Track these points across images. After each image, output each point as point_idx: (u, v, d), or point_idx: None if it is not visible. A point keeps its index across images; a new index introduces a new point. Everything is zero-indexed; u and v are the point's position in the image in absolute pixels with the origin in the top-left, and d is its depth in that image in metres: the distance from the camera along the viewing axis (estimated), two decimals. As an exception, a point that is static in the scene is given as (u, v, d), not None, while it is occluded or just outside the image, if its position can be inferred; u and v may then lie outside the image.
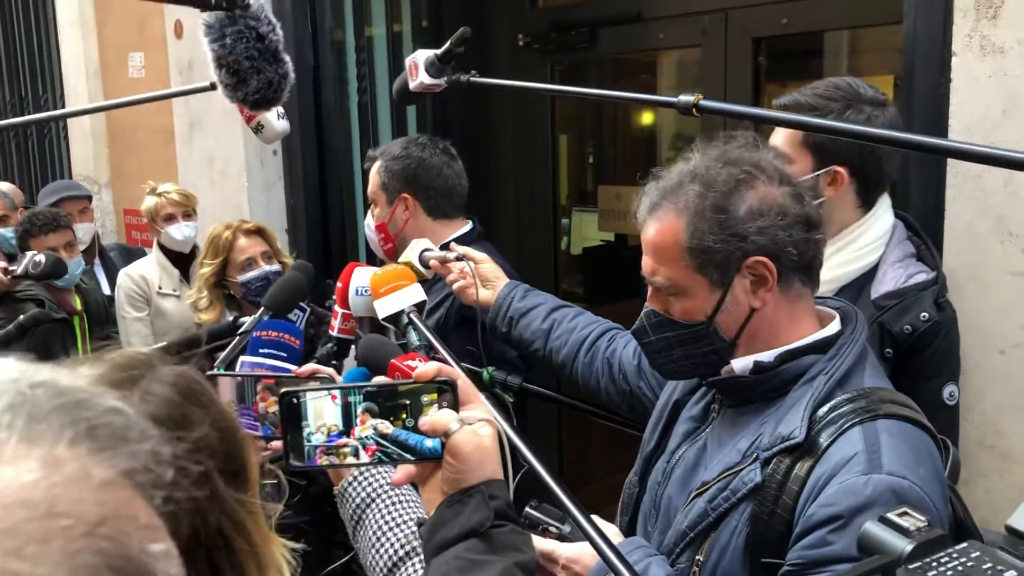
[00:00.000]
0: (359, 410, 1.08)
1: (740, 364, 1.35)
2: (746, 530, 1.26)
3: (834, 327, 1.36)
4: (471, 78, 1.66)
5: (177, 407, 0.93)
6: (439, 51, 1.68)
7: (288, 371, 1.64)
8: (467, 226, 2.45)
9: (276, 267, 2.82)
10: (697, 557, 1.31)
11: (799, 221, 1.29)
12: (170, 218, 3.50)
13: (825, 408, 1.26)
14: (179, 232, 3.51)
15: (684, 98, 1.28)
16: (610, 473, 4.02)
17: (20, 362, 0.45)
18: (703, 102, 1.26)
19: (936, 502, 1.18)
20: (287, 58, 1.56)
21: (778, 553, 1.22)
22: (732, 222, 1.28)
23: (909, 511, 0.95)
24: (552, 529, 1.49)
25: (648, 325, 1.42)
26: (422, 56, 1.71)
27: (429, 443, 1.07)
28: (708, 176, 1.31)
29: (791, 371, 1.31)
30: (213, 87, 1.77)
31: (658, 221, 1.35)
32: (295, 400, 1.09)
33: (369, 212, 2.52)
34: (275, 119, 1.74)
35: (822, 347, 1.33)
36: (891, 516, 0.93)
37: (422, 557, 1.26)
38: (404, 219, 2.40)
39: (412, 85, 1.73)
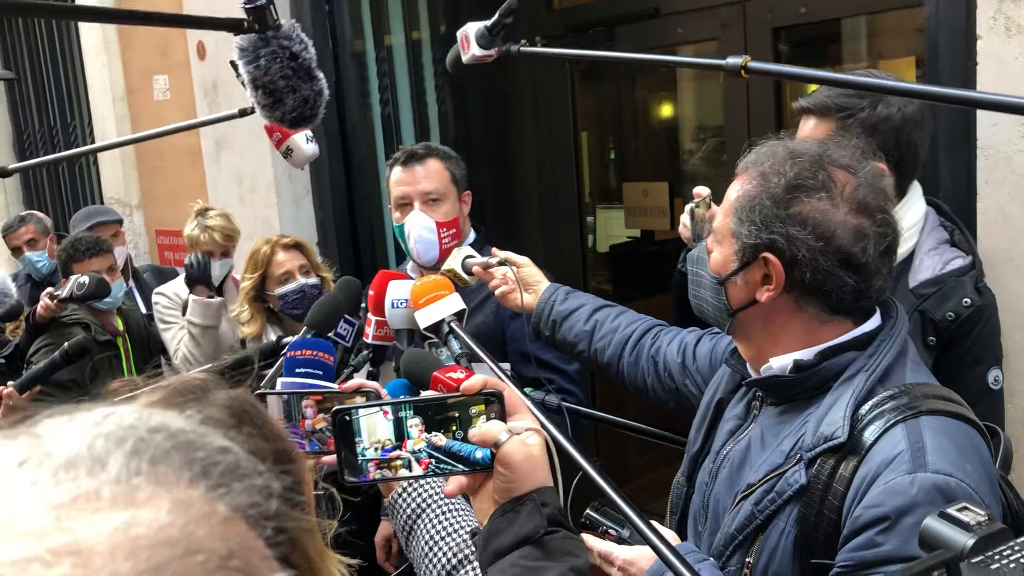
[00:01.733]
0: (410, 424, 1.11)
1: (779, 363, 1.36)
2: (794, 531, 1.26)
3: (874, 322, 1.35)
4: (521, 47, 1.68)
5: (233, 429, 0.96)
6: (488, 23, 1.70)
7: (331, 387, 1.67)
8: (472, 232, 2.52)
9: (314, 280, 2.86)
10: (747, 559, 1.31)
11: (835, 254, 1.27)
12: (208, 255, 3.50)
13: (867, 406, 1.25)
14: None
15: (732, 60, 1.27)
16: (645, 471, 4.04)
17: (135, 409, 0.48)
18: (751, 63, 1.27)
19: (985, 497, 1.17)
20: (321, 75, 1.58)
21: (827, 554, 1.22)
22: (772, 215, 1.29)
23: (969, 506, 0.95)
24: (612, 532, 1.51)
25: (695, 256, 1.50)
26: (472, 28, 1.73)
27: (479, 454, 1.09)
28: (788, 165, 1.31)
29: (831, 369, 1.31)
30: (241, 114, 1.80)
31: (742, 173, 1.38)
32: (347, 417, 1.12)
33: (420, 213, 2.38)
34: (304, 143, 1.77)
35: (862, 343, 1.32)
36: (951, 511, 0.94)
37: (475, 565, 1.29)
38: (466, 215, 2.46)
39: (465, 58, 1.75)
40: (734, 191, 1.37)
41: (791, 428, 1.33)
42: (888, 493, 1.16)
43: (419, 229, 2.37)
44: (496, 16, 1.68)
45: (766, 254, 1.30)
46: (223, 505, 0.45)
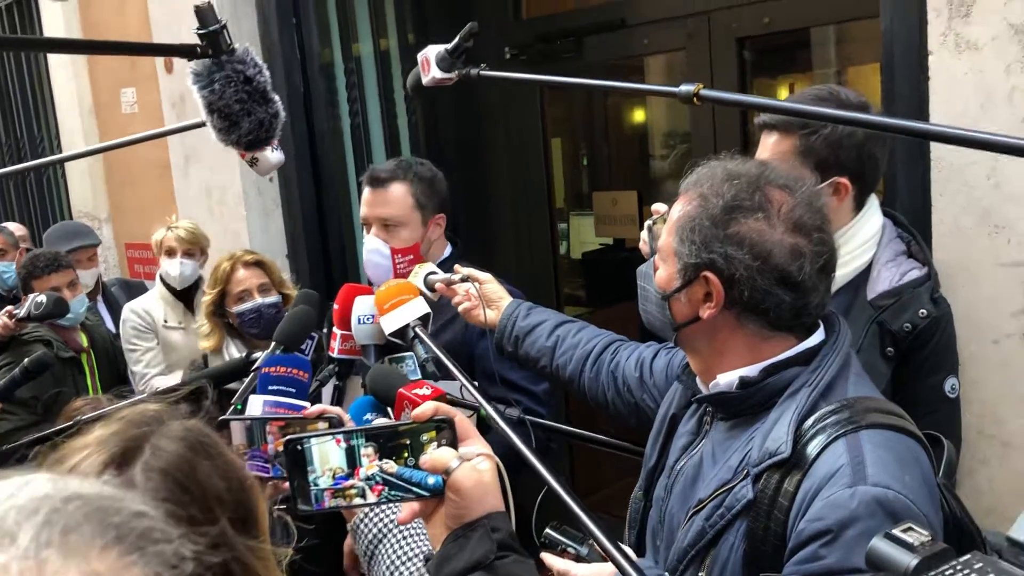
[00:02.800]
0: (363, 451, 1.11)
1: (726, 379, 1.38)
2: (743, 546, 1.28)
3: (817, 337, 1.38)
4: (481, 71, 1.69)
5: (186, 462, 0.97)
6: (449, 46, 1.71)
7: (298, 408, 1.67)
8: (448, 248, 2.48)
9: (272, 299, 2.83)
10: (700, 574, 1.33)
11: (772, 272, 1.30)
12: (170, 252, 3.52)
13: (810, 421, 1.28)
14: (173, 268, 3.50)
15: (685, 88, 1.29)
16: (620, 477, 4.05)
17: (49, 478, 0.49)
18: (704, 91, 1.28)
19: (924, 508, 1.19)
20: (276, 97, 1.59)
21: (775, 567, 1.23)
22: (711, 235, 1.32)
23: (914, 526, 0.97)
24: (570, 550, 1.52)
25: (643, 271, 1.53)
26: (433, 51, 1.73)
27: (431, 480, 1.10)
28: (726, 187, 1.33)
29: (775, 384, 1.34)
30: (203, 124, 1.80)
31: (684, 193, 1.41)
32: (299, 447, 1.12)
33: (373, 237, 2.38)
34: (269, 152, 1.77)
35: (806, 359, 1.35)
36: (896, 532, 0.96)
37: None
38: (433, 240, 2.40)
39: (425, 80, 1.76)
40: (676, 211, 1.40)
41: (739, 443, 1.36)
42: (830, 507, 1.18)
43: (370, 253, 2.37)
44: (457, 39, 1.69)
45: (706, 273, 1.33)
46: (135, 572, 0.46)
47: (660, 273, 1.44)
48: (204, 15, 1.49)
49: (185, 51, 1.53)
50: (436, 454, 1.09)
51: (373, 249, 2.36)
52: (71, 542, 0.44)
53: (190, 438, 1.00)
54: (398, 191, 2.36)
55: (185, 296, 3.58)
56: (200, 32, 1.49)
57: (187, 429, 1.01)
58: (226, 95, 1.51)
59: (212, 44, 1.49)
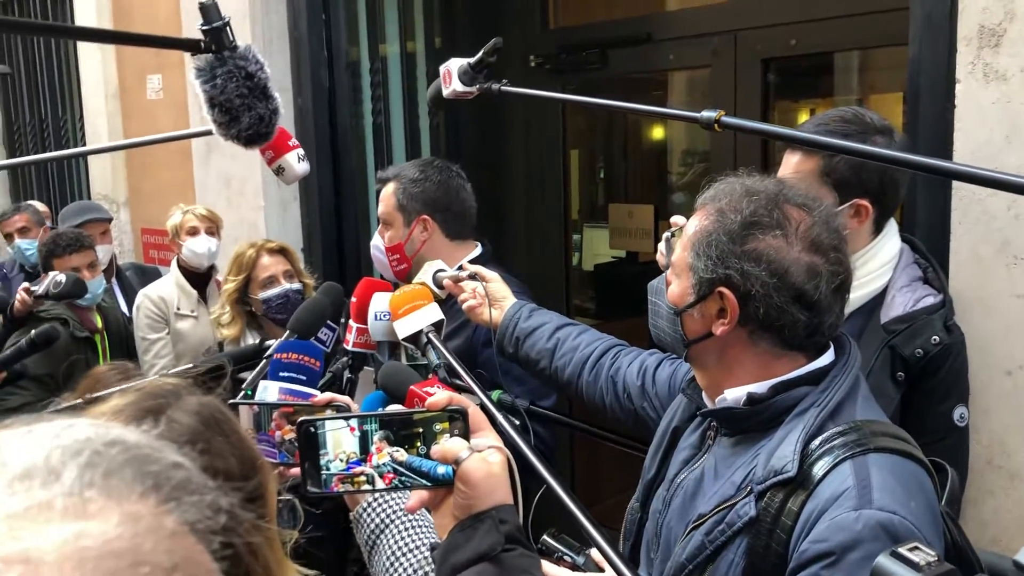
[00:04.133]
0: (375, 438, 1.12)
1: (733, 395, 1.38)
2: (743, 563, 1.27)
3: (827, 358, 1.37)
4: (502, 87, 1.70)
5: (200, 436, 0.98)
6: (472, 60, 1.72)
7: (307, 395, 1.68)
8: (478, 248, 2.49)
9: (297, 286, 2.88)
10: None
11: (788, 290, 1.29)
12: (193, 231, 3.54)
13: (817, 441, 1.27)
14: (201, 245, 3.51)
15: (707, 114, 1.30)
16: (621, 490, 4.04)
17: (91, 423, 0.50)
18: (725, 118, 1.29)
19: (927, 535, 1.18)
20: (276, 95, 1.62)
21: None
22: (728, 251, 1.32)
23: (920, 546, 0.97)
24: (566, 559, 1.52)
25: (654, 286, 1.53)
26: (455, 64, 1.75)
27: (441, 470, 1.11)
28: (744, 203, 1.33)
29: (783, 403, 1.33)
30: (204, 133, 1.83)
31: (701, 208, 1.40)
32: (312, 429, 1.13)
33: (377, 233, 2.53)
34: (296, 162, 1.80)
35: (815, 379, 1.34)
36: (902, 550, 0.96)
37: None
38: (422, 240, 2.43)
39: (445, 92, 1.77)
40: (692, 226, 1.39)
41: (743, 460, 1.35)
42: (834, 529, 1.18)
43: (372, 248, 2.55)
44: (480, 54, 1.71)
45: (721, 289, 1.32)
46: (172, 519, 0.47)
47: (673, 288, 1.43)
48: (208, 11, 1.52)
49: (189, 46, 1.58)
50: (447, 444, 1.10)
51: (374, 244, 2.54)
52: (112, 485, 0.45)
53: (205, 413, 1.01)
54: (387, 191, 2.47)
55: (199, 284, 3.60)
56: (204, 28, 1.53)
57: (202, 404, 1.03)
58: (227, 90, 1.54)
59: (215, 40, 1.53)
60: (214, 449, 0.99)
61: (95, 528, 0.43)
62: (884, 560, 0.98)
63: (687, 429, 1.55)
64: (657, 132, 5.05)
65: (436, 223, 2.43)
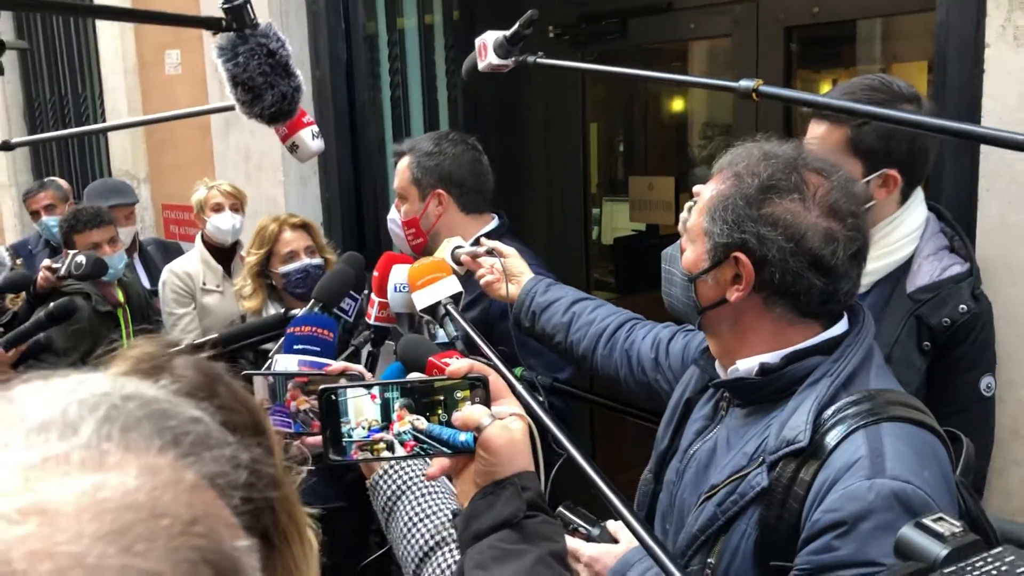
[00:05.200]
0: (396, 406, 1.12)
1: (746, 365, 1.36)
2: (755, 534, 1.27)
3: (841, 327, 1.35)
4: (538, 59, 1.68)
5: (207, 386, 0.98)
6: (507, 32, 1.71)
7: (322, 366, 1.68)
8: (495, 221, 2.48)
9: (318, 261, 2.89)
10: (709, 560, 1.32)
11: (805, 255, 1.28)
12: (218, 208, 3.55)
13: (830, 411, 1.26)
14: (225, 221, 3.52)
15: (745, 83, 1.28)
16: (643, 463, 4.05)
17: (110, 376, 0.49)
18: (763, 88, 1.27)
19: (941, 504, 1.17)
20: (298, 72, 1.62)
21: (787, 556, 1.22)
22: (744, 215, 1.30)
23: (945, 516, 0.96)
24: (581, 530, 1.53)
25: (668, 254, 1.52)
26: (491, 37, 1.74)
27: (463, 437, 1.11)
28: (762, 167, 1.32)
29: (796, 373, 1.32)
30: (225, 109, 1.83)
31: (718, 173, 1.39)
32: (333, 397, 1.13)
33: (393, 207, 2.52)
34: (310, 139, 1.79)
35: (828, 348, 1.33)
36: (927, 521, 0.95)
37: (452, 547, 1.30)
38: (437, 214, 2.42)
39: (481, 65, 1.76)
40: (708, 191, 1.38)
41: (755, 430, 1.34)
42: (846, 498, 1.17)
43: (389, 222, 2.55)
44: (516, 26, 1.69)
45: (737, 253, 1.31)
46: (191, 473, 0.46)
47: (687, 254, 1.42)
48: None
49: (211, 24, 1.57)
50: (468, 411, 1.10)
51: (390, 218, 2.53)
52: (130, 439, 0.45)
53: (201, 366, 1.02)
54: (402, 164, 2.46)
55: (224, 259, 3.61)
56: (225, 7, 1.52)
57: (197, 360, 1.03)
58: (250, 68, 1.54)
59: (236, 18, 1.53)
60: (224, 402, 1.00)
61: (113, 480, 0.42)
62: (908, 531, 0.97)
63: (700, 400, 1.54)
64: (677, 104, 5.01)
65: (451, 197, 2.42)
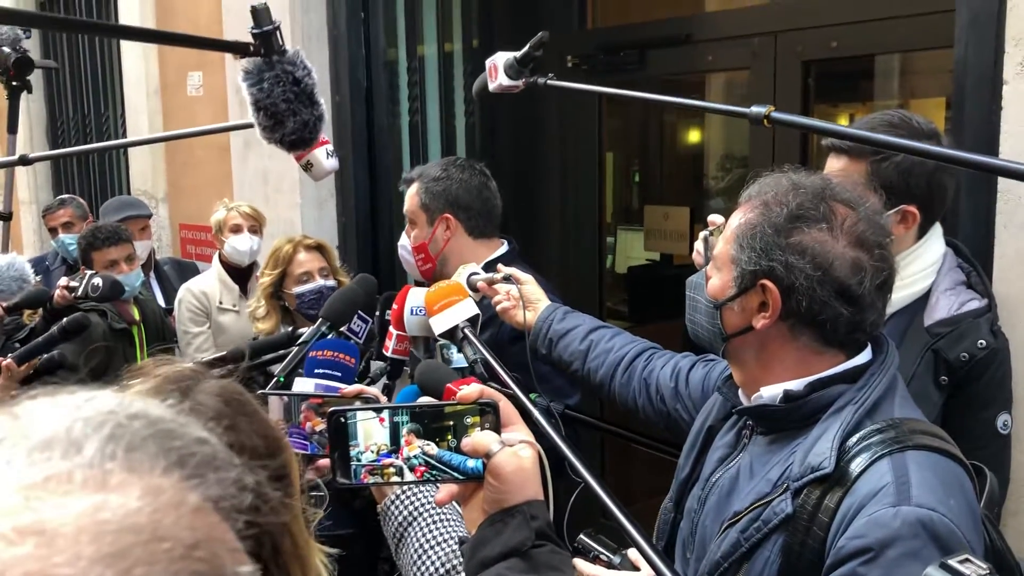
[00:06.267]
0: (405, 430, 1.12)
1: (770, 392, 1.36)
2: (779, 561, 1.26)
3: (865, 356, 1.35)
4: (548, 80, 1.69)
5: (226, 417, 0.98)
6: (518, 54, 1.72)
7: (335, 390, 1.68)
8: (504, 246, 2.48)
9: (332, 283, 2.90)
10: None
11: (832, 284, 1.28)
12: (237, 229, 3.58)
13: (854, 438, 1.26)
14: (243, 243, 3.56)
15: (756, 109, 1.29)
16: (652, 495, 4.02)
17: (117, 395, 0.49)
18: (775, 114, 1.27)
19: (967, 534, 1.17)
20: (321, 100, 1.63)
21: None
22: (772, 243, 1.30)
23: (972, 558, 0.95)
24: (603, 557, 1.51)
25: (693, 281, 1.52)
26: (501, 58, 1.75)
27: (472, 463, 1.10)
28: (790, 196, 1.32)
29: (820, 400, 1.32)
30: (246, 126, 1.84)
31: (746, 202, 1.40)
32: (343, 419, 1.12)
33: (404, 233, 2.53)
34: (324, 158, 1.80)
35: (852, 377, 1.33)
36: (951, 562, 0.94)
37: (462, 574, 1.29)
38: (445, 239, 2.42)
39: (491, 86, 1.77)
40: (736, 219, 1.38)
41: (779, 457, 1.34)
42: (871, 525, 1.16)
43: (400, 248, 2.58)
44: (526, 48, 1.71)
45: (764, 281, 1.31)
46: (195, 495, 0.46)
47: (714, 282, 1.42)
48: (259, 15, 1.53)
49: (238, 48, 1.59)
50: (478, 437, 1.09)
51: (401, 244, 2.57)
52: (134, 458, 0.44)
53: (226, 395, 1.01)
54: (411, 191, 2.48)
55: (240, 279, 3.63)
56: (254, 32, 1.53)
57: (223, 387, 1.03)
58: (274, 94, 1.56)
59: (265, 44, 1.55)
60: (239, 427, 0.99)
61: (115, 501, 0.42)
62: (933, 571, 0.96)
63: (722, 428, 1.54)
64: (693, 135, 5.01)
65: (459, 221, 2.42)
